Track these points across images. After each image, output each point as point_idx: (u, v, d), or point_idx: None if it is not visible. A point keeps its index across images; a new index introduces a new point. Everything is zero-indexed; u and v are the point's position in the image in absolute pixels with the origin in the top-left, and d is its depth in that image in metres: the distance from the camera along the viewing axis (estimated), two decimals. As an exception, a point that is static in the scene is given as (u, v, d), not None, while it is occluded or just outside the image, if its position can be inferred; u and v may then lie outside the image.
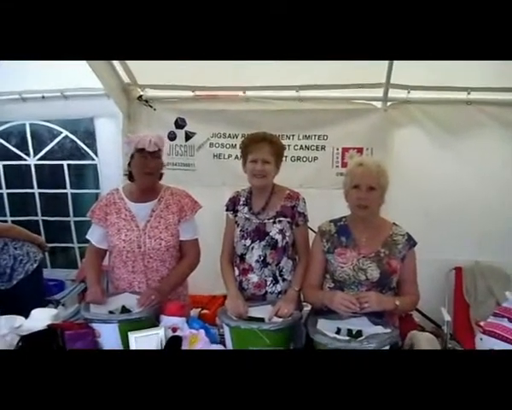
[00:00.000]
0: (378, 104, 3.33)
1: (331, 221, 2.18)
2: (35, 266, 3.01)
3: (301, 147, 3.45)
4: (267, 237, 2.19)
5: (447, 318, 3.17)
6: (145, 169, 2.21)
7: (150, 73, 3.34)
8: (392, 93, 3.25)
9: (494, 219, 3.18)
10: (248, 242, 2.22)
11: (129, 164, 2.27)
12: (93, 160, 3.92)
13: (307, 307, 2.26)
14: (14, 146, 4.01)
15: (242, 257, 2.25)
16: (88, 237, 2.36)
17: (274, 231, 2.19)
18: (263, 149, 2.15)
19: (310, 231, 2.32)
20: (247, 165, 2.20)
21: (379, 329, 1.81)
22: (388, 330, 1.79)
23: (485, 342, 1.69)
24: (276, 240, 2.19)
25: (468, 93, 3.15)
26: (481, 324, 1.79)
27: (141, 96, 3.55)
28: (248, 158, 2.18)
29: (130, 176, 2.29)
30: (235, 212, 2.29)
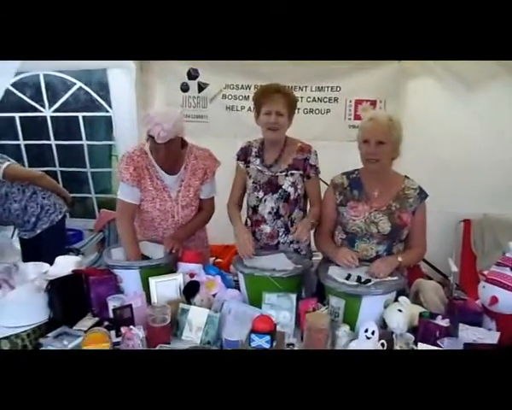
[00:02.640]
0: (392, 55, 3.28)
1: (344, 174, 2.20)
2: (60, 217, 3.09)
3: (314, 99, 3.45)
4: (280, 190, 2.24)
5: (454, 268, 3.25)
6: (158, 154, 2.20)
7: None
8: (407, 44, 3.19)
9: (504, 172, 3.19)
10: (261, 194, 2.27)
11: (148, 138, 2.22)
12: (107, 111, 3.94)
13: (317, 258, 2.34)
14: (29, 97, 4.03)
15: (255, 209, 2.31)
16: (123, 198, 2.25)
17: (286, 183, 2.23)
18: (277, 100, 2.14)
19: (321, 183, 2.37)
20: (260, 117, 2.19)
21: (387, 277, 1.90)
22: (395, 278, 1.89)
23: (487, 290, 1.76)
24: (289, 193, 2.23)
25: (487, 44, 3.08)
26: (485, 273, 1.86)
27: (154, 47, 3.53)
28: (262, 110, 2.17)
29: (151, 142, 2.22)
30: (247, 162, 2.31)
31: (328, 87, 3.41)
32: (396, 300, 1.80)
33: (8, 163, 2.94)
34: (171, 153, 2.19)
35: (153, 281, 1.96)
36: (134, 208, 2.28)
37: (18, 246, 3.29)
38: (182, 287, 1.98)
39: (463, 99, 3.26)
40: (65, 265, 2.10)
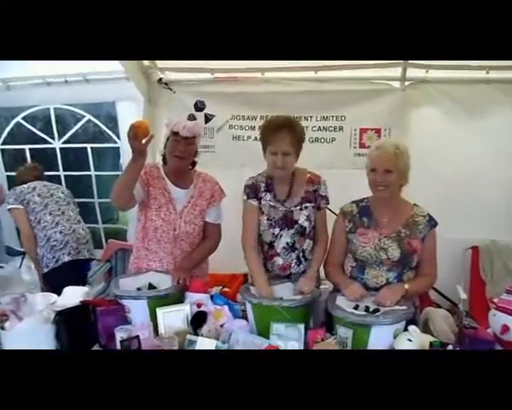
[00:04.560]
0: (396, 84, 3.33)
1: (353, 202, 2.22)
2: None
3: (319, 128, 3.47)
4: (296, 225, 2.22)
5: (463, 296, 3.21)
6: (175, 152, 2.28)
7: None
8: (411, 73, 3.24)
9: (510, 198, 3.17)
10: (277, 230, 2.24)
11: (164, 146, 2.35)
12: (115, 143, 4.01)
13: (324, 286, 2.33)
14: (39, 130, 4.12)
15: (271, 244, 2.28)
16: None
17: (302, 218, 2.22)
18: (282, 140, 2.09)
19: (328, 212, 2.38)
20: (266, 155, 2.16)
21: (395, 305, 1.88)
22: (404, 307, 1.87)
23: (498, 318, 1.74)
24: (305, 227, 2.23)
25: (487, 72, 3.13)
26: (495, 300, 1.84)
27: (161, 79, 3.60)
28: (268, 149, 2.14)
29: (164, 158, 2.39)
30: (258, 199, 2.26)
31: (333, 116, 3.44)
32: (406, 329, 1.78)
33: (12, 206, 3.18)
34: (189, 151, 2.30)
35: (160, 311, 1.95)
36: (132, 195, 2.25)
37: (26, 276, 3.32)
38: (189, 317, 1.97)
39: (467, 125, 3.28)
40: (73, 295, 2.10)
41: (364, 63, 3.11)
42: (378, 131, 3.39)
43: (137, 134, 2.02)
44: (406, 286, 2.00)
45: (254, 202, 2.25)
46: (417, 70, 3.21)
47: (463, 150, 3.26)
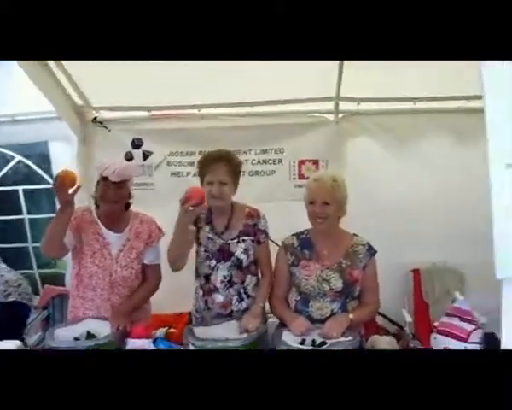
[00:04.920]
0: (330, 117, 3.43)
1: (294, 235, 2.24)
2: None
3: (258, 161, 3.50)
4: (232, 258, 2.22)
5: (408, 318, 3.29)
6: (106, 198, 2.21)
7: (103, 94, 3.32)
8: (343, 105, 3.35)
9: (447, 221, 3.30)
10: (213, 262, 2.24)
11: (95, 190, 2.27)
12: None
13: (272, 319, 2.31)
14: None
15: (207, 278, 2.26)
16: None
17: (239, 251, 2.22)
18: (219, 169, 2.14)
19: (271, 244, 2.38)
20: (203, 186, 2.18)
21: (341, 337, 1.88)
22: (350, 338, 1.87)
23: (438, 341, 1.79)
24: (242, 260, 2.22)
25: (414, 103, 3.29)
26: (435, 324, 1.89)
27: (95, 118, 3.50)
28: (205, 179, 2.17)
29: (95, 202, 2.30)
30: (197, 227, 2.24)
31: (271, 149, 3.48)
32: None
33: None
34: (121, 195, 2.22)
35: (99, 362, 1.85)
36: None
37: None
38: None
39: (400, 154, 3.42)
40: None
41: (298, 97, 3.19)
42: (316, 163, 3.46)
43: (64, 184, 1.97)
44: (351, 316, 2.02)
45: (191, 227, 2.16)
46: (349, 103, 3.33)
47: (398, 178, 3.38)
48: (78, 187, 2.04)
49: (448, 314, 1.84)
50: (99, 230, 2.30)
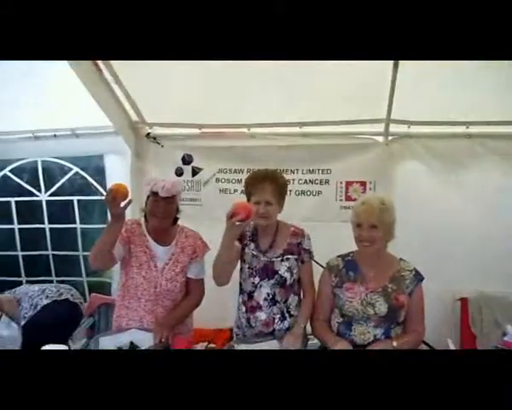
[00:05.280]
0: (380, 138, 3.41)
1: (339, 256, 2.22)
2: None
3: (305, 181, 3.51)
4: (276, 276, 2.23)
5: (453, 348, 3.17)
6: (156, 213, 2.28)
7: (158, 111, 3.45)
8: (393, 128, 3.32)
9: (496, 249, 3.19)
10: (257, 279, 2.25)
11: (145, 204, 2.35)
12: (102, 195, 3.99)
13: (312, 341, 2.29)
14: (26, 182, 4.10)
15: (250, 295, 2.28)
16: None
17: (283, 269, 2.23)
18: (265, 190, 2.17)
19: (315, 265, 2.37)
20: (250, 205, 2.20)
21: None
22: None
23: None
24: (285, 278, 2.23)
25: (467, 127, 3.21)
26: (485, 356, 1.81)
27: (149, 134, 3.65)
28: (251, 199, 2.20)
29: (145, 216, 2.37)
30: (242, 244, 2.28)
31: (318, 170, 3.49)
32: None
33: None
34: (169, 210, 2.28)
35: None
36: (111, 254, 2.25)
37: (5, 332, 3.20)
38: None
39: (450, 179, 3.33)
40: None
41: (349, 118, 3.19)
42: (363, 185, 3.44)
43: (115, 197, 2.04)
44: (394, 344, 1.97)
45: (237, 243, 2.23)
46: (400, 125, 3.30)
47: (447, 204, 3.30)
48: (130, 201, 2.11)
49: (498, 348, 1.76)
50: (147, 242, 2.37)
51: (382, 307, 2.04)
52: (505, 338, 1.79)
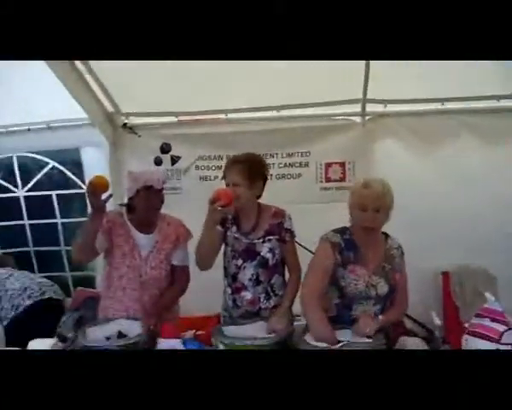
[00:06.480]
0: (357, 119, 3.43)
1: (336, 232, 2.12)
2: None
3: (285, 164, 3.52)
4: (258, 257, 2.24)
5: (437, 322, 3.25)
6: (153, 206, 2.31)
7: (133, 100, 3.41)
8: (370, 107, 3.35)
9: (475, 223, 3.26)
10: (240, 261, 2.27)
11: (131, 198, 2.32)
12: (81, 188, 3.95)
13: (299, 322, 2.31)
14: (2, 179, 4.03)
15: (235, 277, 2.30)
16: None
17: (264, 250, 2.24)
18: (232, 171, 2.21)
19: (298, 247, 2.39)
20: None
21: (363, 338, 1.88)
22: (370, 340, 1.86)
23: (470, 343, 1.75)
24: (267, 259, 2.25)
25: (442, 104, 3.25)
26: (466, 325, 1.86)
27: (125, 124, 3.60)
28: (225, 183, 2.25)
29: (129, 208, 2.35)
30: (224, 228, 2.29)
31: (297, 153, 3.50)
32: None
33: None
34: (162, 200, 2.33)
35: (130, 361, 1.89)
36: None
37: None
38: (161, 364, 1.91)
39: (427, 155, 3.38)
40: (38, 348, 2.02)
41: (325, 100, 3.20)
42: (342, 165, 3.46)
43: (96, 190, 2.02)
44: (380, 317, 2.00)
45: (219, 227, 2.24)
46: (376, 105, 3.32)
47: (426, 179, 3.35)
48: (111, 195, 2.10)
49: (479, 315, 1.80)
50: (129, 232, 2.36)
51: (384, 288, 2.05)
52: (485, 305, 1.82)
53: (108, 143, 3.59)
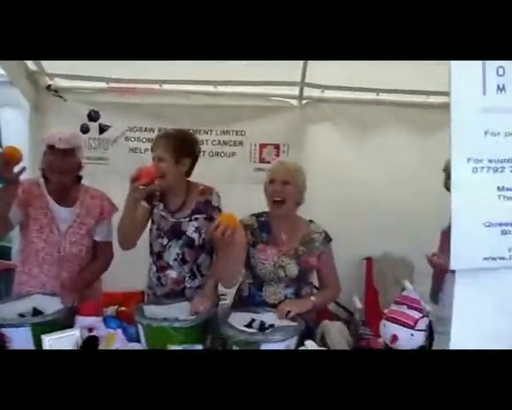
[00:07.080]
0: (294, 102, 3.43)
1: (253, 215, 2.21)
2: None
3: (219, 142, 3.46)
4: (184, 236, 2.18)
5: (358, 305, 3.37)
6: (54, 167, 2.13)
7: (60, 61, 3.16)
8: (308, 91, 3.35)
9: (401, 212, 3.36)
10: (165, 241, 2.20)
11: (42, 161, 2.17)
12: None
13: (224, 302, 2.30)
14: None
15: (160, 255, 2.23)
16: None
17: (190, 229, 2.18)
18: (159, 147, 2.13)
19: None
20: None
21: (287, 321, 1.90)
22: (295, 323, 1.88)
23: (388, 328, 1.80)
24: (193, 239, 2.19)
25: (377, 94, 3.32)
26: (384, 311, 1.92)
27: (49, 86, 3.35)
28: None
29: (43, 174, 2.20)
30: (151, 205, 2.21)
31: (232, 131, 3.45)
32: (302, 344, 1.79)
33: None
34: (69, 165, 2.15)
35: (46, 339, 1.75)
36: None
37: None
38: (79, 344, 1.80)
39: (360, 143, 3.46)
40: None
41: (263, 79, 3.15)
42: (277, 147, 3.46)
43: (8, 162, 1.86)
44: (313, 298, 2.05)
45: (145, 204, 2.17)
46: (314, 89, 3.33)
47: (357, 167, 3.43)
48: (24, 169, 1.94)
49: (397, 302, 1.86)
50: (47, 204, 2.21)
51: (293, 270, 2.09)
52: (403, 293, 1.89)
53: (30, 105, 3.33)
